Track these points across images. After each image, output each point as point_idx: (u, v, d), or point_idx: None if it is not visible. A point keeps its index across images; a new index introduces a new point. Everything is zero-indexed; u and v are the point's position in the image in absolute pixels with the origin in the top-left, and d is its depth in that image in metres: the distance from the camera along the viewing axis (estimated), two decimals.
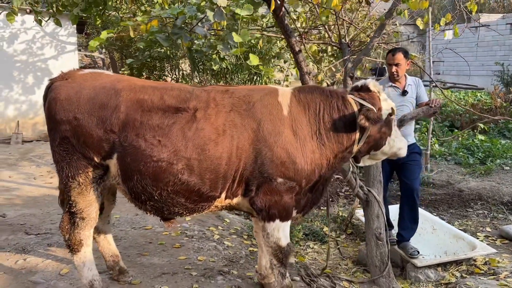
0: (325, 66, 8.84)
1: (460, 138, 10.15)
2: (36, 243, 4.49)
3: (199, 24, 4.07)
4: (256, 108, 3.28)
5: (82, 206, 3.34)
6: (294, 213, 3.50)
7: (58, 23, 5.60)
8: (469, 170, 8.56)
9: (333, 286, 4.28)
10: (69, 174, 3.27)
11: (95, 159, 3.24)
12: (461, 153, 9.26)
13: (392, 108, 3.44)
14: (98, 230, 3.80)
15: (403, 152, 3.65)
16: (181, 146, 3.12)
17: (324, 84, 8.40)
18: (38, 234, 4.78)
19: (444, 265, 4.71)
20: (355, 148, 3.44)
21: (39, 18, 5.55)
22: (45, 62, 10.38)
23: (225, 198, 3.33)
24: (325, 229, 6.19)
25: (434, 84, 8.38)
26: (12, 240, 4.56)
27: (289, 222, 3.40)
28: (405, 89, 4.79)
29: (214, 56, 5.08)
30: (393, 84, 4.85)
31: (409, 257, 4.73)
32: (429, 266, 4.63)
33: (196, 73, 7.74)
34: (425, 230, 5.77)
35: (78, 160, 3.24)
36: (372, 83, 3.48)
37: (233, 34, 3.32)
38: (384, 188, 5.04)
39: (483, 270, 4.63)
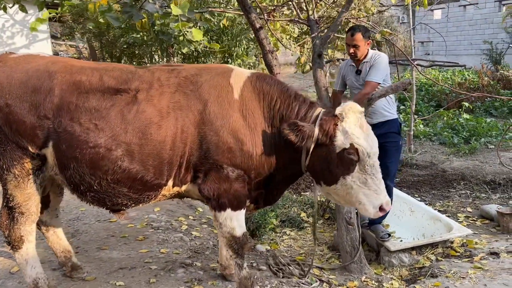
0: (308, 48, 8.60)
1: (445, 118, 9.94)
2: None
3: (150, 0, 3.80)
4: (204, 89, 3.04)
5: (20, 200, 3.10)
6: (248, 203, 3.29)
7: (23, 10, 5.34)
8: (453, 150, 8.38)
9: (302, 274, 4.10)
10: (4, 166, 3.04)
11: (30, 148, 3.00)
12: (445, 132, 9.06)
13: (352, 145, 2.84)
14: (46, 225, 3.59)
15: (367, 213, 2.97)
16: (120, 130, 2.89)
17: (307, 67, 8.16)
18: None
19: (419, 248, 4.52)
20: (303, 163, 3.08)
21: (3, 4, 5.28)
22: (16, 51, 10.01)
23: (173, 186, 3.10)
24: (302, 215, 5.99)
25: (416, 63, 8.15)
26: None
27: (242, 211, 3.18)
28: (359, 68, 4.51)
29: (181, 38, 4.79)
30: (352, 63, 4.61)
31: (380, 241, 4.54)
32: (403, 250, 4.45)
33: (165, 57, 7.43)
34: (403, 212, 5.58)
35: (12, 150, 3.00)
36: (344, 108, 2.93)
37: (172, 6, 3.06)
38: None
39: (459, 252, 4.44)
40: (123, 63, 10.91)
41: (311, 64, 7.62)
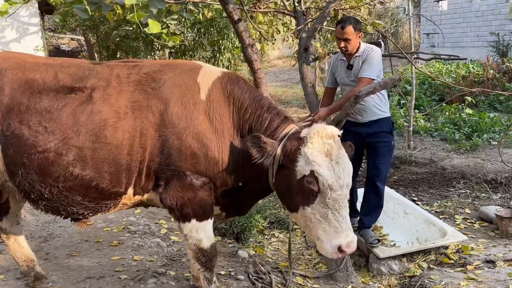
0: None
1: (447, 113, 9.59)
2: None
3: None
4: (166, 87, 2.77)
5: None
6: (217, 210, 3.03)
7: (11, 2, 5.11)
8: (454, 147, 8.05)
9: (284, 284, 3.85)
10: None
11: None
12: (447, 128, 8.73)
13: (312, 173, 2.50)
14: (6, 233, 3.37)
15: (324, 251, 2.64)
16: (71, 133, 2.64)
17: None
18: None
19: (411, 255, 4.25)
20: (270, 181, 2.79)
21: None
22: (7, 46, 9.79)
23: (134, 195, 2.85)
24: None
25: (414, 56, 7.82)
26: None
27: (210, 221, 2.92)
28: (351, 62, 4.18)
29: (164, 31, 4.55)
30: (343, 58, 4.27)
31: (369, 246, 4.27)
32: (393, 257, 4.17)
33: (151, 52, 7.16)
34: (398, 214, 5.30)
35: None
36: (310, 131, 2.62)
37: None
38: (355, 169, 4.52)
39: (453, 259, 4.16)
40: (119, 56, 10.65)
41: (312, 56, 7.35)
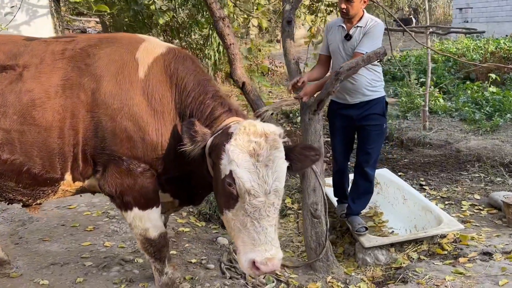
0: (321, 17, 7.87)
1: (469, 91, 8.98)
2: None
3: None
4: (101, 63, 2.55)
5: None
6: (167, 197, 2.81)
7: None
8: (473, 127, 7.51)
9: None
10: None
11: None
12: (467, 108, 8.16)
13: (231, 174, 2.20)
14: None
15: (240, 264, 2.33)
16: None
17: (319, 38, 7.45)
18: None
19: (401, 245, 3.92)
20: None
21: None
22: (17, 29, 9.84)
23: (74, 181, 2.67)
24: (287, 200, 5.48)
25: (430, 31, 7.28)
26: None
27: (155, 209, 2.71)
28: (350, 32, 3.73)
29: (152, 7, 4.31)
30: (342, 24, 3.80)
31: (355, 234, 3.97)
32: (380, 247, 3.86)
33: (141, 31, 6.95)
34: (397, 200, 4.96)
35: None
36: (238, 126, 2.33)
37: None
38: (344, 155, 4.22)
39: (446, 250, 3.81)
40: None
41: (322, 35, 6.95)
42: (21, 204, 2.83)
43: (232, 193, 2.22)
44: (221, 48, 6.67)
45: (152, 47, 2.66)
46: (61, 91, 2.49)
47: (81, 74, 2.52)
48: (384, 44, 3.67)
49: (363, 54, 3.48)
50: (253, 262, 2.16)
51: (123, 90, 2.49)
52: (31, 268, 3.44)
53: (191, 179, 2.72)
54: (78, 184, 2.70)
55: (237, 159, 2.17)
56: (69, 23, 15.81)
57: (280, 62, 13.89)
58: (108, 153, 2.51)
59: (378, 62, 3.62)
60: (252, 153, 2.19)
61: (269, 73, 13.00)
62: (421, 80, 9.84)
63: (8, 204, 2.85)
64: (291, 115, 8.71)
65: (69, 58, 2.56)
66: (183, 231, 4.31)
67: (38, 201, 2.77)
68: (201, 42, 6.89)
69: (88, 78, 2.50)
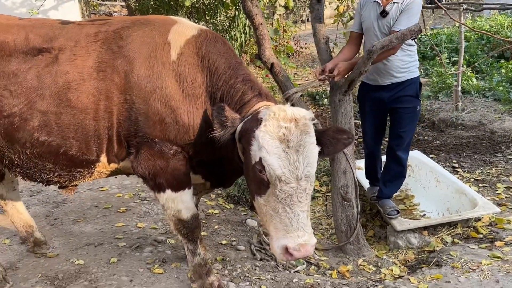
0: None
1: (504, 70, 8.64)
2: None
3: None
4: (134, 45, 2.54)
5: None
6: (199, 179, 2.82)
7: None
8: (508, 108, 7.25)
9: None
10: None
11: None
12: (501, 87, 7.87)
13: (261, 161, 2.16)
14: (3, 199, 3.37)
15: (273, 250, 2.29)
16: (36, 96, 2.50)
17: (347, 17, 7.27)
18: None
19: (434, 228, 3.85)
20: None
21: None
22: (45, 14, 9.99)
23: (109, 162, 2.70)
24: (315, 183, 5.43)
25: (464, 7, 6.99)
26: None
27: (187, 191, 2.71)
28: (386, 8, 3.53)
29: None
30: (377, 0, 3.59)
31: (386, 218, 3.91)
32: (412, 230, 3.80)
33: (167, 12, 6.89)
34: (429, 182, 4.86)
35: None
36: (267, 111, 2.26)
37: None
38: (375, 139, 4.12)
39: (482, 233, 3.72)
40: None
41: (351, 14, 6.77)
42: (58, 185, 2.89)
43: (263, 180, 2.18)
44: (247, 30, 6.59)
45: (184, 29, 2.63)
46: (95, 73, 2.50)
47: (114, 56, 2.52)
48: None
49: None
50: (286, 248, 2.15)
51: (156, 73, 2.48)
52: (67, 249, 3.53)
53: (222, 163, 2.71)
54: (113, 166, 2.73)
55: (267, 146, 2.13)
56: (95, 7, 15.90)
57: (305, 43, 13.70)
58: (141, 136, 2.52)
59: (413, 40, 3.48)
60: (282, 139, 2.15)
61: (294, 54, 12.81)
62: (453, 59, 9.55)
63: (45, 185, 2.91)
64: (317, 97, 8.61)
65: (102, 41, 2.56)
66: (212, 213, 4.34)
67: (74, 183, 2.82)
68: (227, 23, 6.81)
69: (121, 60, 2.50)
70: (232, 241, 3.75)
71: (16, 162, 2.65)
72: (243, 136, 2.32)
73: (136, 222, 3.95)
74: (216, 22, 6.89)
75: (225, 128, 2.30)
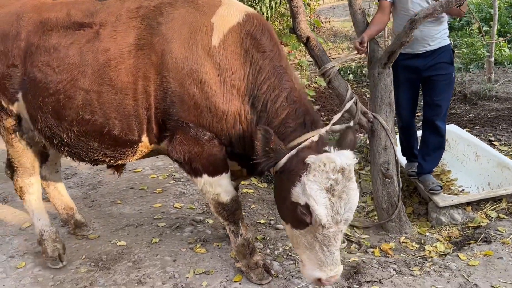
0: None
1: None
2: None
3: None
4: (174, 24, 2.46)
5: (13, 155, 2.99)
6: (235, 165, 2.76)
7: None
8: None
9: None
10: None
11: (3, 103, 2.74)
12: None
13: (307, 206, 2.17)
14: (45, 179, 3.41)
15: (304, 275, 2.44)
16: (78, 74, 2.47)
17: None
18: None
19: (477, 203, 3.74)
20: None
21: None
22: None
23: (150, 143, 2.67)
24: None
25: None
26: None
27: (225, 175, 2.66)
28: None
29: None
30: None
31: (429, 193, 3.81)
32: (455, 206, 3.70)
33: None
34: (468, 157, 4.73)
35: None
36: (316, 160, 2.17)
37: None
38: (410, 110, 4.01)
39: None
40: None
41: None
42: (105, 164, 2.89)
43: (304, 220, 2.21)
44: (273, 4, 6.41)
45: (229, 13, 2.50)
46: (134, 51, 2.44)
47: (152, 33, 2.44)
48: None
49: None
50: (319, 279, 2.29)
51: (195, 56, 2.40)
52: (107, 230, 3.55)
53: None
54: (154, 146, 2.69)
55: (315, 196, 2.13)
56: None
57: (326, 18, 13.38)
58: (175, 119, 2.46)
59: (457, 7, 3.33)
60: (329, 189, 2.14)
61: (315, 29, 12.54)
62: (484, 29, 9.19)
63: (93, 165, 2.92)
64: (341, 72, 8.43)
65: (142, 16, 2.49)
66: (247, 192, 4.30)
67: (119, 162, 2.80)
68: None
69: (159, 38, 2.43)
70: (270, 220, 3.72)
71: (65, 141, 2.65)
72: (285, 172, 2.28)
73: (173, 203, 3.94)
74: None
75: (268, 159, 2.28)
